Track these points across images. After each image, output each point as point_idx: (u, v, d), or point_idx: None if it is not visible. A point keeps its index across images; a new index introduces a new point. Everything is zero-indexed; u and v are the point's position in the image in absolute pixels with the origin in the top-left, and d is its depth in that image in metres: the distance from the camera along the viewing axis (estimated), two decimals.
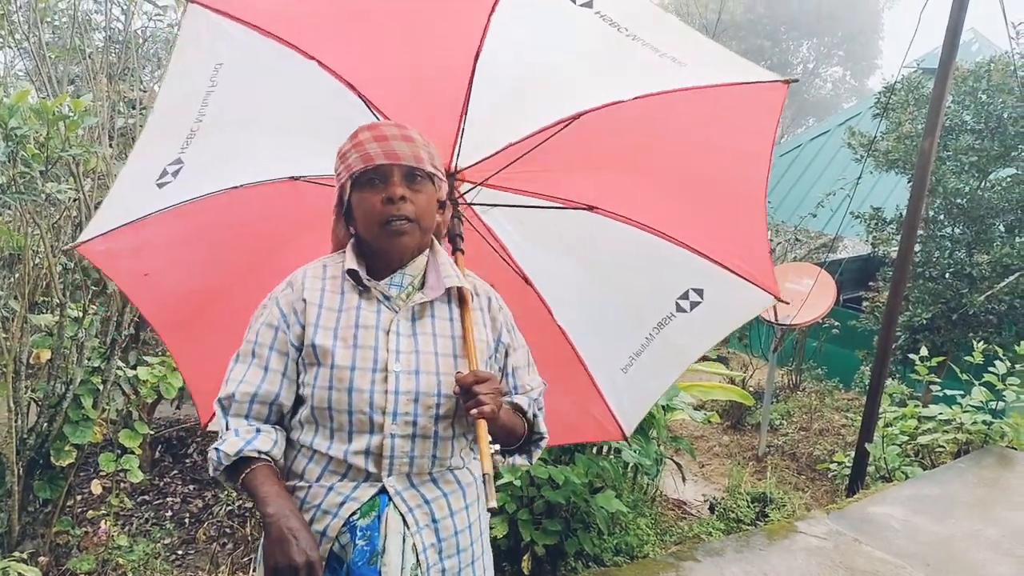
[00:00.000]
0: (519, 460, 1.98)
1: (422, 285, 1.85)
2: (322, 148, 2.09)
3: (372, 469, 1.72)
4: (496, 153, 2.34)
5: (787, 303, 2.80)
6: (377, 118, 2.22)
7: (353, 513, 1.73)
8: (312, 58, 2.16)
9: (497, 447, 1.89)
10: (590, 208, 2.52)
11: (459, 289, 1.86)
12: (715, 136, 2.44)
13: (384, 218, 1.75)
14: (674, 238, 2.53)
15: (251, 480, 1.68)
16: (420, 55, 2.25)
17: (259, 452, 1.70)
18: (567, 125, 2.28)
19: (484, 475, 1.64)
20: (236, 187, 2.29)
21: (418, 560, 1.74)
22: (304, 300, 1.79)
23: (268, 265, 2.30)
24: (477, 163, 2.36)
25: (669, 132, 2.43)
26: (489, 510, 1.62)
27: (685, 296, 2.64)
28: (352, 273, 1.79)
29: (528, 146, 2.32)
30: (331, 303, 1.79)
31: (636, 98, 2.22)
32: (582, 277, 2.69)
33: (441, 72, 2.23)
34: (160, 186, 2.24)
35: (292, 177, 2.33)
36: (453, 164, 2.32)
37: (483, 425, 1.69)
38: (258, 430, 1.75)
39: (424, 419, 1.73)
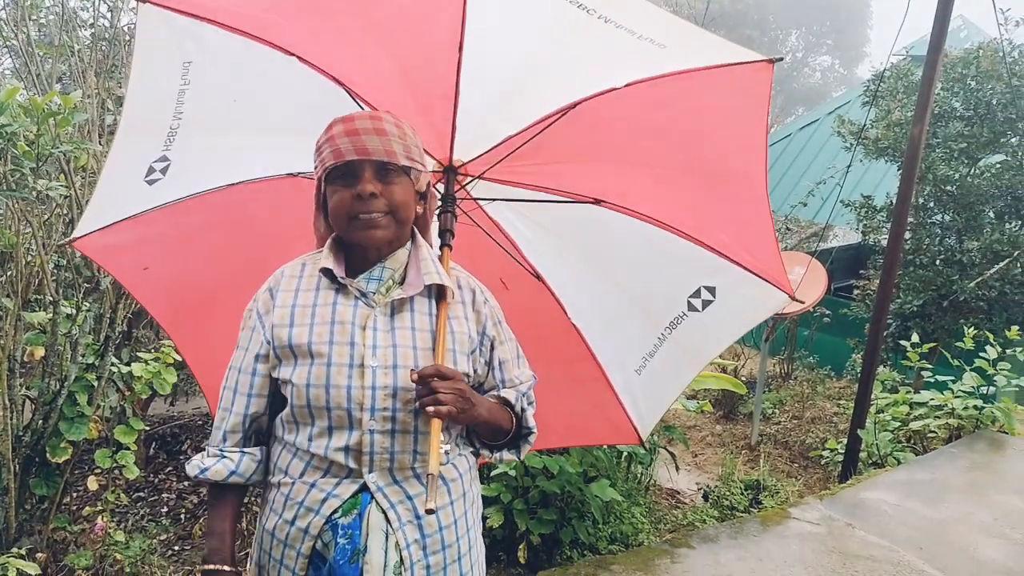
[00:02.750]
0: (507, 455, 1.96)
1: (403, 280, 1.83)
2: None
3: (352, 465, 1.72)
4: (497, 146, 2.28)
5: (802, 302, 2.74)
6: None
7: (335, 511, 1.73)
8: (292, 54, 2.13)
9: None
10: (596, 201, 2.45)
11: (439, 286, 1.82)
12: (709, 123, 2.36)
13: (354, 214, 1.73)
14: (683, 232, 2.45)
15: (210, 504, 1.86)
16: (401, 47, 2.22)
17: (212, 480, 1.81)
18: (564, 114, 2.22)
19: (428, 475, 1.62)
20: (235, 183, 2.30)
21: (401, 557, 1.73)
22: (277, 302, 1.81)
23: (276, 259, 2.27)
24: (479, 156, 2.31)
25: (664, 120, 2.36)
26: (427, 511, 1.60)
27: (697, 294, 2.55)
28: (326, 272, 1.79)
29: (527, 137, 2.27)
30: (306, 300, 1.79)
31: (628, 84, 2.14)
32: (592, 274, 2.61)
33: (426, 63, 2.19)
34: (150, 183, 2.25)
35: (291, 174, 2.32)
36: (452, 157, 2.27)
37: (437, 424, 1.66)
38: (222, 455, 1.82)
39: (403, 414, 1.72)
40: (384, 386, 1.71)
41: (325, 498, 1.73)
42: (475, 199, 2.47)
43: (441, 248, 2.03)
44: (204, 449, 1.88)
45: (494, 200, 2.49)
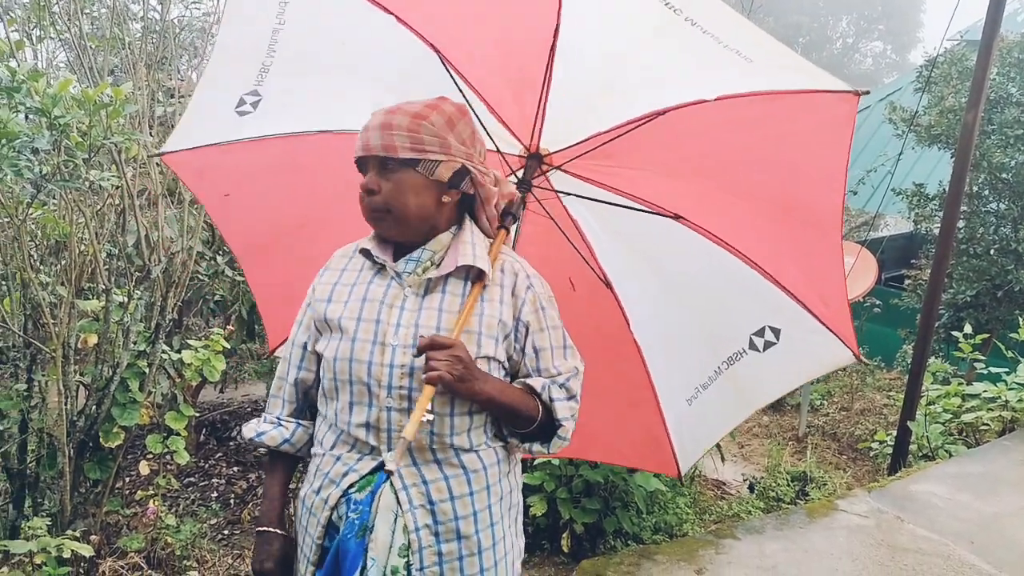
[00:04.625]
0: (537, 447, 1.91)
1: (442, 262, 1.85)
2: None
3: (372, 442, 1.76)
4: (584, 140, 2.22)
5: (867, 363, 2.63)
6: (458, 86, 2.20)
7: (352, 485, 1.78)
8: (390, 12, 2.10)
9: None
10: (676, 217, 2.32)
11: (480, 269, 1.82)
12: (790, 153, 2.21)
13: (364, 207, 1.79)
14: (757, 264, 2.30)
15: (266, 468, 2.03)
16: (498, 25, 2.18)
17: (266, 445, 1.92)
18: (650, 120, 2.10)
19: (402, 438, 1.63)
20: (322, 131, 2.35)
21: (409, 541, 1.75)
22: (323, 279, 1.90)
23: (351, 212, 2.32)
24: (564, 149, 2.26)
25: (747, 142, 2.23)
26: (387, 471, 1.66)
27: (760, 333, 2.40)
28: (365, 252, 1.86)
29: (612, 137, 2.17)
30: (348, 279, 1.86)
31: (718, 99, 2.00)
32: (661, 291, 2.47)
33: (521, 46, 2.15)
34: (240, 114, 2.33)
35: None
36: (538, 144, 2.24)
37: (428, 390, 1.66)
38: (279, 423, 1.93)
39: (419, 394, 1.73)
40: (401, 364, 1.74)
41: (346, 472, 1.80)
42: (556, 191, 2.39)
43: (496, 230, 1.98)
44: (262, 415, 1.98)
45: (574, 195, 2.40)
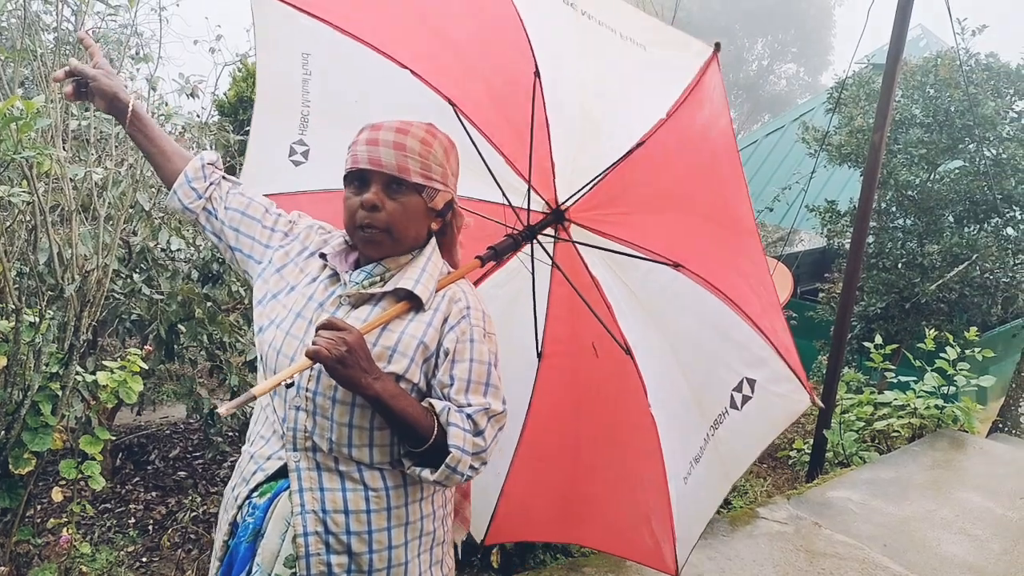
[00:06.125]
0: (425, 472, 1.73)
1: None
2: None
3: (280, 440, 1.78)
4: (591, 188, 2.09)
5: (822, 407, 2.41)
6: (472, 140, 2.18)
7: (259, 486, 1.80)
8: (405, 67, 2.12)
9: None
10: (676, 265, 2.07)
11: (407, 292, 1.78)
12: (711, 152, 1.94)
13: (357, 222, 1.77)
14: (741, 308, 2.04)
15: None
16: (489, 72, 2.13)
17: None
18: (632, 153, 1.95)
19: (250, 394, 1.58)
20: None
21: (296, 548, 1.73)
22: (297, 243, 1.95)
23: None
24: (578, 198, 2.13)
25: (688, 156, 1.99)
26: (213, 407, 1.66)
27: (739, 387, 2.14)
28: (323, 256, 1.87)
29: (612, 179, 2.04)
30: (308, 265, 1.89)
31: (669, 114, 1.82)
32: (665, 353, 2.21)
33: (513, 92, 2.07)
34: (295, 164, 2.35)
35: None
36: (557, 198, 2.15)
37: (304, 362, 1.63)
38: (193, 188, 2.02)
39: (323, 399, 1.73)
40: (311, 367, 1.68)
41: (255, 470, 1.82)
42: (576, 243, 2.22)
43: (479, 259, 2.01)
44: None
45: (590, 246, 2.21)
